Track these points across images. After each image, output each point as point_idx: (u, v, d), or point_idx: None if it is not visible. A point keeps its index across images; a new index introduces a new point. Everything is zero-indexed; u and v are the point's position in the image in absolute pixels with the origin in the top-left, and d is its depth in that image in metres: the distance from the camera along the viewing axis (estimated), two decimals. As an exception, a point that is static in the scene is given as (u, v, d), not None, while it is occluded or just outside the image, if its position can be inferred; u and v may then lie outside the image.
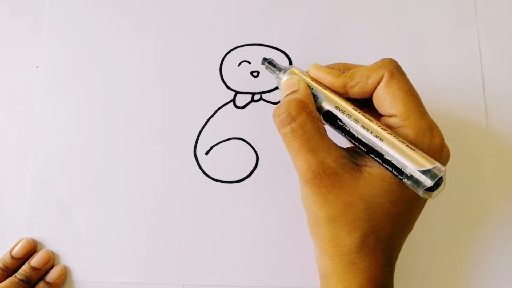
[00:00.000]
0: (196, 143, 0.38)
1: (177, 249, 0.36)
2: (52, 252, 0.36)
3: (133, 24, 0.40)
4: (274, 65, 0.32)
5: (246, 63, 0.39)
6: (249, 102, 0.38)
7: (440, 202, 0.36)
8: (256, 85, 0.38)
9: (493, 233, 0.36)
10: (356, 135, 0.27)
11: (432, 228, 0.36)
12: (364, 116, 0.27)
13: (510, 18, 0.39)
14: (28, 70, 0.39)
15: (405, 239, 0.29)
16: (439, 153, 0.26)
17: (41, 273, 0.36)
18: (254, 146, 0.37)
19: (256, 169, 0.37)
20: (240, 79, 0.38)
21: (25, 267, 0.35)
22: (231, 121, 0.38)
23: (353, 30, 0.39)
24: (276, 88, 0.38)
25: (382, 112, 0.28)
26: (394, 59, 0.28)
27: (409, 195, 0.27)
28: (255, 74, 0.38)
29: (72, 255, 0.36)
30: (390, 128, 0.27)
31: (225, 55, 0.39)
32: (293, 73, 0.30)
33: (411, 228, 0.29)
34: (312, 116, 0.27)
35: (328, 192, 0.27)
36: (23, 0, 0.41)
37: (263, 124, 0.37)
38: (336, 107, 0.28)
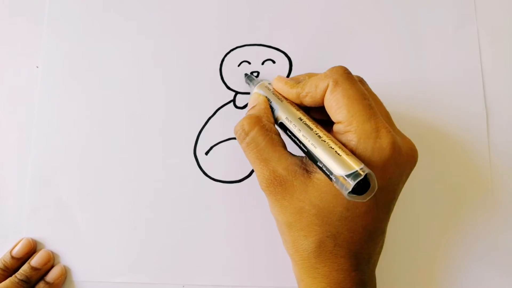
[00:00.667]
0: (196, 143, 0.38)
1: (177, 249, 0.36)
2: (52, 252, 0.36)
3: (133, 24, 0.40)
4: (251, 80, 0.36)
5: (246, 63, 0.39)
6: (249, 102, 0.38)
7: (439, 202, 0.36)
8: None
9: (494, 232, 0.36)
10: (299, 144, 0.28)
11: (428, 226, 0.36)
12: (307, 125, 0.28)
13: (510, 18, 0.39)
14: (28, 70, 0.39)
15: (374, 243, 0.29)
16: (388, 153, 0.26)
17: (41, 273, 0.36)
18: (254, 146, 0.37)
19: (256, 169, 0.37)
20: (240, 79, 0.38)
21: (25, 267, 0.35)
22: (231, 121, 0.38)
23: (353, 30, 0.39)
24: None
25: (332, 120, 0.28)
26: (344, 66, 0.29)
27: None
28: (255, 74, 0.38)
29: (72, 255, 0.36)
30: (337, 134, 0.28)
31: (225, 55, 0.39)
32: (260, 87, 0.33)
33: (379, 232, 0.29)
34: (265, 129, 0.29)
35: (282, 198, 0.28)
36: (23, 0, 0.41)
37: (263, 124, 0.37)
38: (286, 118, 0.30)
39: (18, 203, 0.37)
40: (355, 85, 0.27)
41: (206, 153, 0.37)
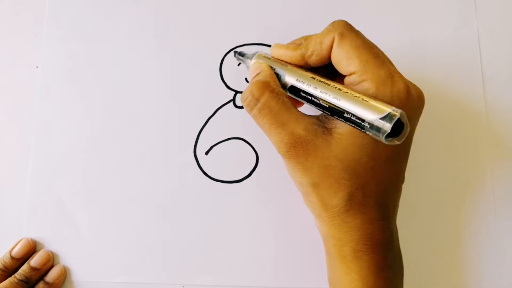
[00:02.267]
0: (196, 143, 0.38)
1: (177, 249, 0.36)
2: (52, 252, 0.36)
3: (133, 24, 0.40)
4: (243, 55, 0.34)
5: (246, 63, 0.39)
6: (249, 102, 0.38)
7: (439, 202, 0.36)
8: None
9: (494, 233, 0.36)
10: (318, 102, 0.27)
11: (428, 225, 0.36)
12: (323, 81, 0.28)
13: (510, 18, 0.39)
14: (28, 70, 0.39)
15: (397, 191, 0.29)
16: (405, 96, 0.26)
17: (41, 273, 0.35)
18: (254, 146, 0.37)
19: (256, 169, 0.37)
20: (240, 79, 0.38)
21: (24, 267, 0.35)
22: (231, 121, 0.38)
23: (353, 30, 0.39)
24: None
25: (343, 73, 0.28)
26: (343, 19, 0.28)
27: (384, 146, 0.27)
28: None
29: (71, 255, 0.36)
30: (352, 85, 0.27)
31: (225, 55, 0.39)
32: (258, 57, 0.32)
33: (401, 179, 0.29)
34: (276, 93, 0.28)
35: (305, 160, 0.27)
36: (23, 0, 0.41)
37: (263, 124, 0.37)
38: (297, 80, 0.29)
39: (18, 203, 0.37)
40: (360, 35, 0.28)
41: (206, 153, 0.37)
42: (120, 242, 0.36)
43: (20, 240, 0.36)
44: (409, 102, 0.27)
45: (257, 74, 0.30)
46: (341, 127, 0.27)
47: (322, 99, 0.27)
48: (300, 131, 0.27)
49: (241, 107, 0.38)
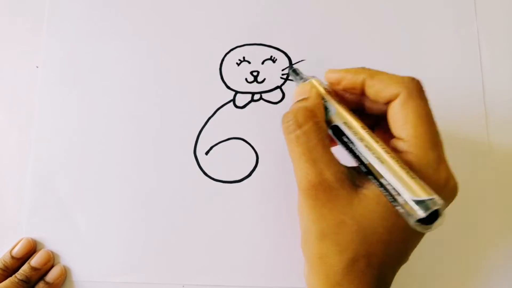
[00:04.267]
0: (196, 143, 0.38)
1: (177, 249, 0.36)
2: (52, 252, 0.36)
3: (133, 24, 0.40)
4: (297, 74, 0.31)
5: (246, 63, 0.39)
6: (249, 102, 0.38)
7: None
8: (256, 85, 0.38)
9: (494, 233, 0.36)
10: (357, 154, 0.26)
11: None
12: (371, 136, 0.26)
13: (510, 18, 0.39)
14: (28, 70, 0.39)
15: (398, 269, 0.28)
16: (441, 188, 0.25)
17: (41, 273, 0.36)
18: (254, 146, 0.37)
19: (256, 169, 0.37)
20: (240, 79, 0.38)
21: (25, 267, 0.35)
22: (231, 121, 0.38)
23: (353, 30, 0.39)
24: (276, 88, 0.38)
25: (393, 133, 0.27)
26: (419, 79, 0.27)
27: (405, 225, 0.25)
28: (255, 74, 0.38)
29: (72, 255, 0.36)
30: (396, 151, 0.26)
31: (225, 55, 0.39)
32: (312, 83, 0.29)
33: (406, 260, 0.28)
34: (319, 126, 0.27)
35: (322, 205, 0.26)
36: (23, 0, 0.41)
37: (263, 124, 0.37)
38: (344, 123, 0.27)
39: (18, 203, 0.37)
40: (427, 105, 0.26)
41: (206, 153, 0.37)
42: (120, 242, 0.36)
43: (21, 240, 0.36)
44: (444, 194, 0.25)
45: (305, 99, 0.28)
46: (369, 189, 0.26)
47: (362, 154, 0.26)
48: (329, 174, 0.26)
49: (241, 107, 0.38)
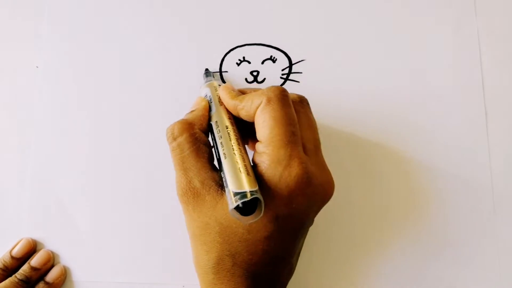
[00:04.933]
0: (196, 143, 0.38)
1: (177, 249, 0.36)
2: (52, 252, 0.36)
3: (133, 24, 0.40)
4: (207, 75, 0.36)
5: (246, 63, 0.39)
6: (249, 102, 0.38)
7: (439, 203, 0.36)
8: (256, 85, 0.38)
9: (494, 234, 0.36)
10: (217, 151, 0.29)
11: (427, 227, 0.36)
12: (233, 136, 0.29)
13: (510, 18, 0.39)
14: (28, 70, 0.39)
15: (276, 267, 0.29)
16: (295, 182, 0.26)
17: (41, 273, 0.35)
18: (254, 146, 0.37)
19: (256, 169, 0.37)
20: (240, 79, 0.38)
21: (25, 267, 0.35)
22: (231, 121, 0.38)
23: (353, 30, 0.39)
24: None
25: (257, 137, 0.28)
26: (283, 87, 0.29)
27: (264, 223, 0.27)
28: (255, 74, 0.38)
29: (71, 255, 0.36)
30: (256, 152, 0.28)
31: (225, 55, 0.39)
32: (209, 85, 0.34)
33: (288, 256, 0.29)
34: (194, 138, 0.29)
35: (192, 210, 0.28)
36: (23, 0, 0.41)
37: (263, 124, 0.37)
38: (216, 122, 0.30)
39: (18, 203, 0.37)
40: (285, 108, 0.28)
41: (206, 153, 0.37)
42: (120, 242, 0.36)
43: (20, 240, 0.36)
44: (300, 189, 0.26)
45: (191, 112, 0.32)
46: None
47: (217, 150, 0.28)
48: (196, 181, 0.28)
49: (241, 107, 0.38)
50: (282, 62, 0.38)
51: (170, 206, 0.37)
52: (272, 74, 0.38)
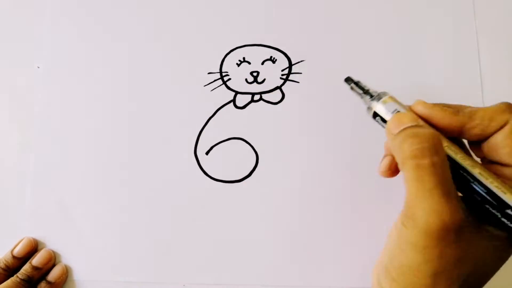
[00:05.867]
0: (197, 143, 0.38)
1: (177, 248, 0.36)
2: (53, 251, 0.37)
3: (134, 25, 0.40)
4: (362, 88, 0.30)
5: (246, 63, 0.39)
6: (249, 102, 0.38)
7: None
8: (256, 86, 0.38)
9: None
10: (476, 188, 0.24)
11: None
12: (475, 162, 0.24)
13: (510, 18, 0.39)
14: (29, 70, 0.39)
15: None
16: None
17: (43, 272, 0.36)
18: (254, 146, 0.37)
19: (256, 169, 0.37)
20: (240, 79, 0.38)
21: (26, 267, 0.35)
22: (231, 121, 0.38)
23: (353, 30, 0.39)
24: (276, 88, 0.38)
25: (495, 159, 0.26)
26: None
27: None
28: (255, 74, 0.38)
29: (72, 254, 0.37)
30: (500, 175, 0.25)
31: (225, 56, 0.39)
32: (388, 102, 0.28)
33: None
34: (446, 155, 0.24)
35: (447, 245, 0.23)
36: (24, 0, 0.41)
37: (263, 124, 0.38)
38: (461, 157, 0.25)
39: (19, 203, 0.38)
40: None
41: (207, 153, 0.38)
42: (120, 241, 0.37)
43: (22, 240, 0.36)
44: None
45: (419, 126, 0.26)
46: (490, 225, 0.25)
47: (480, 182, 0.24)
48: (461, 213, 0.22)
49: (241, 108, 0.38)
50: (282, 62, 0.39)
51: (170, 205, 0.37)
52: (272, 75, 0.38)
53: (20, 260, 0.36)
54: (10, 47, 0.40)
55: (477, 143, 0.27)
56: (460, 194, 0.25)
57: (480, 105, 0.37)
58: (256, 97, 0.38)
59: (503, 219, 0.24)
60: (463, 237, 0.23)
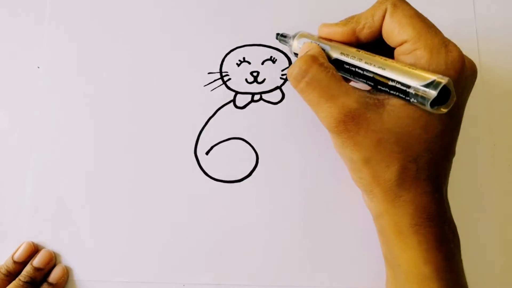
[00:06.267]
0: (197, 143, 0.38)
1: (177, 248, 0.36)
2: (53, 252, 0.37)
3: (134, 25, 0.40)
4: (285, 36, 0.34)
5: (246, 63, 0.39)
6: (249, 102, 0.38)
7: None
8: (256, 85, 0.38)
9: (494, 234, 0.36)
10: (362, 73, 0.27)
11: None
12: (367, 53, 0.28)
13: (510, 18, 0.39)
14: (29, 70, 0.39)
15: (448, 163, 0.29)
16: (459, 66, 0.26)
17: (44, 273, 0.36)
18: (254, 146, 0.37)
19: (256, 169, 0.37)
20: (240, 80, 0.38)
21: (27, 268, 0.35)
22: (231, 121, 0.38)
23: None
24: (276, 88, 0.38)
25: (393, 44, 0.28)
26: None
27: (438, 118, 0.26)
28: (255, 74, 0.38)
29: (73, 254, 0.37)
30: (403, 55, 0.27)
31: (225, 56, 0.39)
32: (301, 36, 0.32)
33: (453, 152, 0.29)
34: (324, 67, 0.28)
35: (355, 134, 0.26)
36: (24, 0, 0.41)
37: (263, 124, 0.38)
38: (341, 53, 0.29)
39: (18, 203, 0.38)
40: (412, 6, 0.27)
41: (207, 153, 0.38)
42: (121, 241, 0.37)
43: (22, 245, 0.36)
44: (464, 72, 0.26)
45: (305, 53, 0.29)
46: (393, 99, 0.27)
47: (366, 70, 0.27)
48: (351, 103, 0.26)
49: (241, 108, 0.38)
50: (282, 62, 0.39)
51: (171, 205, 0.37)
52: (272, 75, 0.38)
53: (21, 265, 0.36)
54: (10, 47, 0.40)
55: (390, 49, 0.28)
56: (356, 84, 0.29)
57: (481, 106, 0.37)
58: (256, 97, 0.38)
59: (392, 92, 0.26)
60: (368, 120, 0.26)
